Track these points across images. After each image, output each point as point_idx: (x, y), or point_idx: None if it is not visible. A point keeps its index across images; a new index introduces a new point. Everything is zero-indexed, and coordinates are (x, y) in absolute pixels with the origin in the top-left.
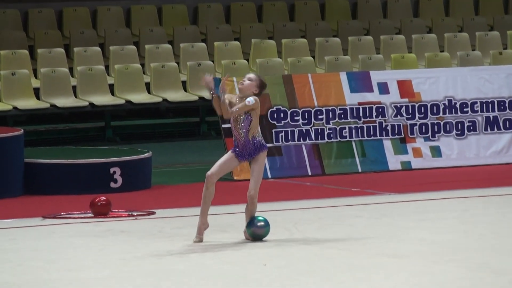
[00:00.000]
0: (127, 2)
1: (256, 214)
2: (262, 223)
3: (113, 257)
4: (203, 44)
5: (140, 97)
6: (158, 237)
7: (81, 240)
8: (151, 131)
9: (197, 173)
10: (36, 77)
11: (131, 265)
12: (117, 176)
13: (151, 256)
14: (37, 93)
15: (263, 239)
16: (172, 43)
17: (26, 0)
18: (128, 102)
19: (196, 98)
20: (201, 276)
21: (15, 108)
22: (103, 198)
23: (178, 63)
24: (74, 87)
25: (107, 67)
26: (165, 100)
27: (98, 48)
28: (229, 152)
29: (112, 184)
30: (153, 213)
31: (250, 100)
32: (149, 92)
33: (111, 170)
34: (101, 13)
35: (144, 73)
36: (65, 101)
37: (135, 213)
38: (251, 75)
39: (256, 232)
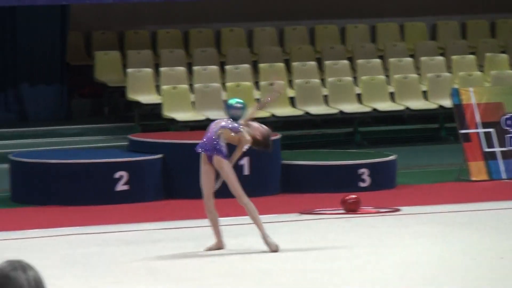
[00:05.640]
0: (373, 20)
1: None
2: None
3: (362, 250)
4: (442, 58)
5: (384, 105)
6: (403, 232)
7: (333, 234)
8: (395, 136)
9: (438, 175)
10: (291, 88)
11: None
12: (365, 176)
13: (398, 252)
14: (292, 101)
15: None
16: (414, 56)
17: (282, 18)
18: (374, 110)
19: (436, 106)
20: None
21: (273, 115)
22: (354, 196)
23: (419, 74)
24: (325, 96)
25: (354, 78)
26: (407, 108)
27: (346, 61)
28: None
29: (361, 184)
30: (398, 210)
31: (245, 147)
32: (393, 101)
33: (359, 171)
34: (349, 30)
35: (388, 84)
36: (317, 109)
37: (382, 210)
38: (264, 130)
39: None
